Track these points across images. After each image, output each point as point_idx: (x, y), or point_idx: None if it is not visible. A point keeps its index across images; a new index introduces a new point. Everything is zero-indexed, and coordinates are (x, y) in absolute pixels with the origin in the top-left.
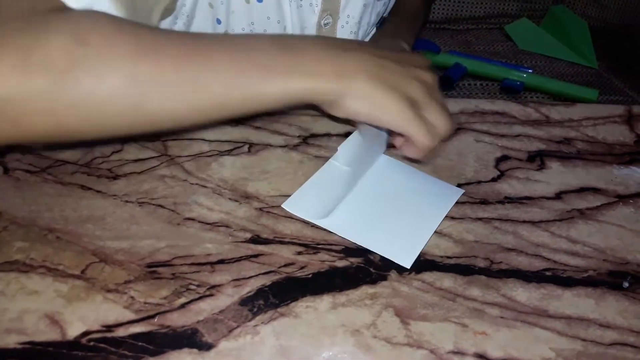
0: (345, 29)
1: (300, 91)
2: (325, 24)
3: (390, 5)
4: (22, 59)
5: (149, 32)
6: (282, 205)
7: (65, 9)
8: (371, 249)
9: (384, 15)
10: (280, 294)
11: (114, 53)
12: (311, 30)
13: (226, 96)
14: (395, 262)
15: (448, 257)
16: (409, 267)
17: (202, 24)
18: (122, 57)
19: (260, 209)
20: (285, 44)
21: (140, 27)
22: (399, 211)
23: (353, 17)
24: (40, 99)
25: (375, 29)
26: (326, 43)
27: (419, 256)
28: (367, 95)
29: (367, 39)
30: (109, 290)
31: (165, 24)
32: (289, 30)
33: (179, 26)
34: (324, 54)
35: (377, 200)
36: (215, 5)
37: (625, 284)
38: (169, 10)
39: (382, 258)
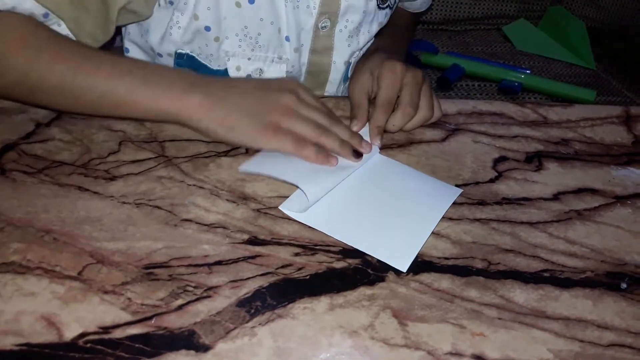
0: (343, 33)
1: (165, 111)
2: (323, 27)
3: (388, 17)
4: None
5: (52, 43)
6: (280, 207)
7: None
8: (367, 252)
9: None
10: (278, 295)
11: (13, 60)
12: (308, 32)
13: (99, 102)
14: (392, 265)
15: (446, 258)
16: (405, 270)
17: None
18: (19, 64)
19: (258, 210)
20: (163, 74)
21: (46, 37)
22: (396, 212)
23: (352, 22)
24: None
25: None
26: (199, 79)
27: (417, 257)
28: (227, 124)
29: (364, 49)
30: (105, 292)
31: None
32: (284, 32)
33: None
34: (193, 86)
35: (374, 202)
36: (201, 16)
37: (623, 285)
38: (136, 14)
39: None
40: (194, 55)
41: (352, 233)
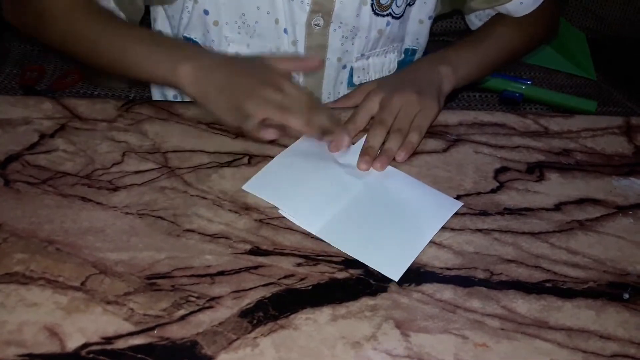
0: (337, 32)
1: (162, 77)
2: (316, 25)
3: (394, 27)
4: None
5: (87, 13)
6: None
7: None
8: (360, 260)
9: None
10: (280, 305)
11: (56, 26)
12: (301, 27)
13: (117, 61)
14: (384, 274)
15: (448, 269)
16: (397, 280)
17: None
18: (60, 29)
19: (260, 221)
20: (166, 44)
21: (85, 9)
22: (394, 223)
23: (346, 24)
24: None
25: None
26: (193, 51)
27: (419, 268)
28: (205, 96)
29: (369, 51)
30: (108, 302)
31: None
32: (282, 24)
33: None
34: (186, 57)
35: (373, 211)
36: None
37: (626, 296)
38: None
39: None
40: (197, 41)
41: (347, 241)
